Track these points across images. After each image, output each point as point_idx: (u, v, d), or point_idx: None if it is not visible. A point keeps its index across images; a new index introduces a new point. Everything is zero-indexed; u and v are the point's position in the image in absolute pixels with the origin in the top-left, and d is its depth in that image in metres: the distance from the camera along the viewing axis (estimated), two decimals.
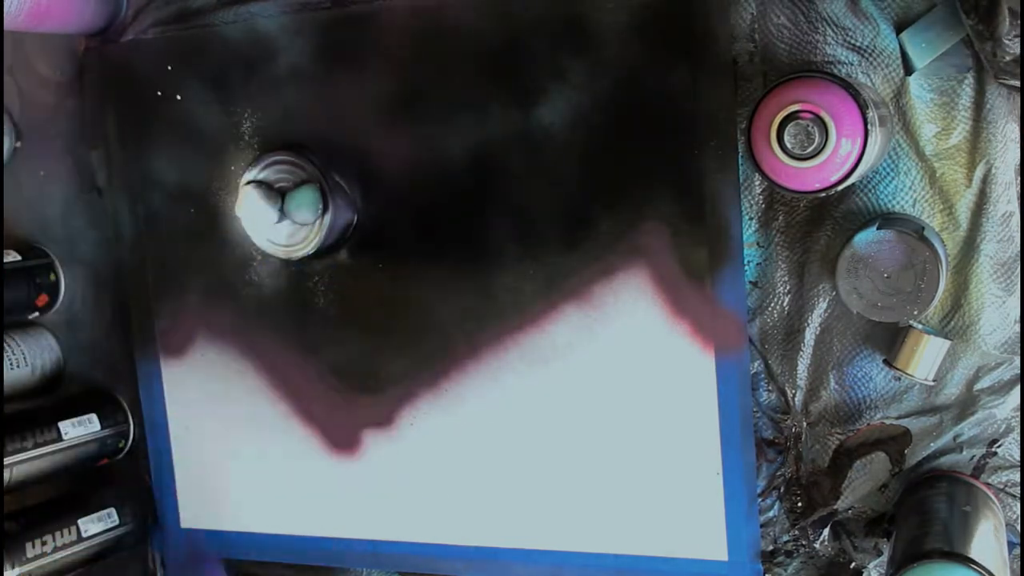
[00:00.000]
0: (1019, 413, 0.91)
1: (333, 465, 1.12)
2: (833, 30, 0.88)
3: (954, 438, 0.93)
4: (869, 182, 0.90)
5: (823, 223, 0.92)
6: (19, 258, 1.17)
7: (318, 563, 1.16)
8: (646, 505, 1.01)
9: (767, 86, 0.85)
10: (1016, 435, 0.91)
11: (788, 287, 0.95)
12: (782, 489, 0.98)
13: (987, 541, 0.83)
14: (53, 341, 1.21)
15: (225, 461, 1.17)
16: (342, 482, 1.12)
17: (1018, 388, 0.90)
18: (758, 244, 0.95)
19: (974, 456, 0.93)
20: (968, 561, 0.79)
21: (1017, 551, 0.93)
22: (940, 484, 0.91)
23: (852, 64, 0.88)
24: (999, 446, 0.92)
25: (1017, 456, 0.92)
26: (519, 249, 1.01)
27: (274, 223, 1.02)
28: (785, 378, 0.96)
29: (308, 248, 1.03)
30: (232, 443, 1.15)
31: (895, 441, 0.94)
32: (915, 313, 0.86)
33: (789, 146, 0.80)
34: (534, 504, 1.05)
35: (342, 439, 1.11)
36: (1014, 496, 0.92)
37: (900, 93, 0.88)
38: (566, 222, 0.99)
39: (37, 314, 1.19)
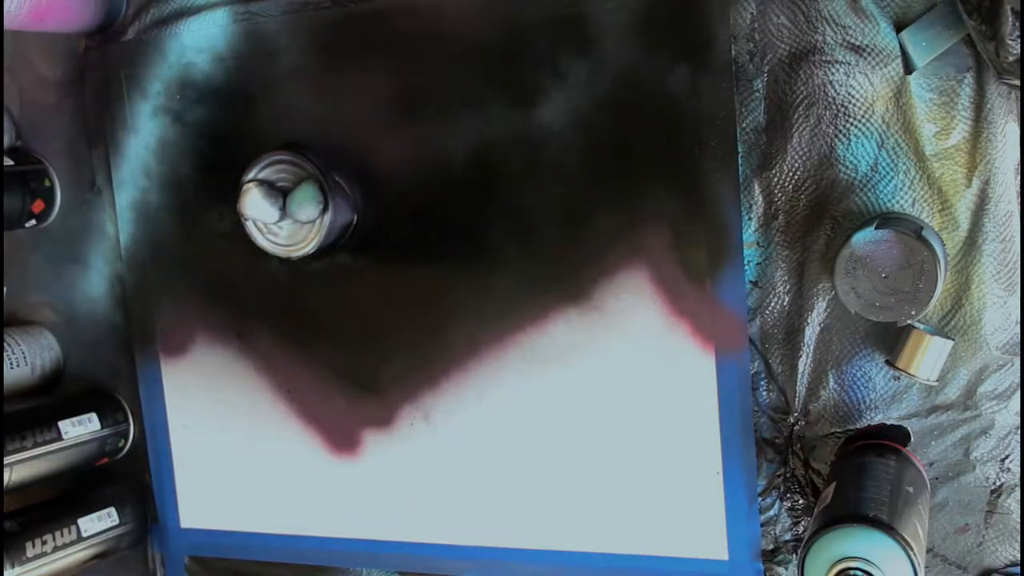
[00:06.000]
0: (1020, 414, 0.91)
1: (333, 465, 1.12)
2: (833, 29, 0.88)
3: (956, 439, 0.93)
4: (869, 181, 0.90)
5: (823, 223, 0.92)
6: (11, 163, 1.15)
7: (318, 563, 1.16)
8: (646, 505, 1.01)
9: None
10: (1017, 435, 0.91)
11: (788, 287, 0.95)
12: (782, 488, 0.98)
13: (919, 529, 0.83)
14: (53, 340, 1.21)
15: (225, 461, 1.17)
16: (342, 482, 1.12)
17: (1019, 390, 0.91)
18: (758, 244, 0.95)
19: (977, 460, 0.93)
20: (903, 540, 0.79)
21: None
22: (889, 456, 0.91)
23: (851, 64, 0.88)
24: (1006, 453, 0.92)
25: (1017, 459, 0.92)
26: (519, 249, 1.01)
27: (275, 221, 1.02)
28: (785, 378, 0.96)
29: (308, 248, 1.03)
30: (232, 443, 1.16)
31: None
32: (913, 313, 0.86)
33: None
34: (534, 504, 1.05)
35: (342, 439, 1.11)
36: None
37: (900, 92, 0.88)
38: (566, 222, 0.99)
39: (35, 222, 1.18)
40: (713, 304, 0.96)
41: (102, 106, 1.14)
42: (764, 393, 0.97)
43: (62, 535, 1.11)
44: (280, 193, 1.02)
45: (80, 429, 1.15)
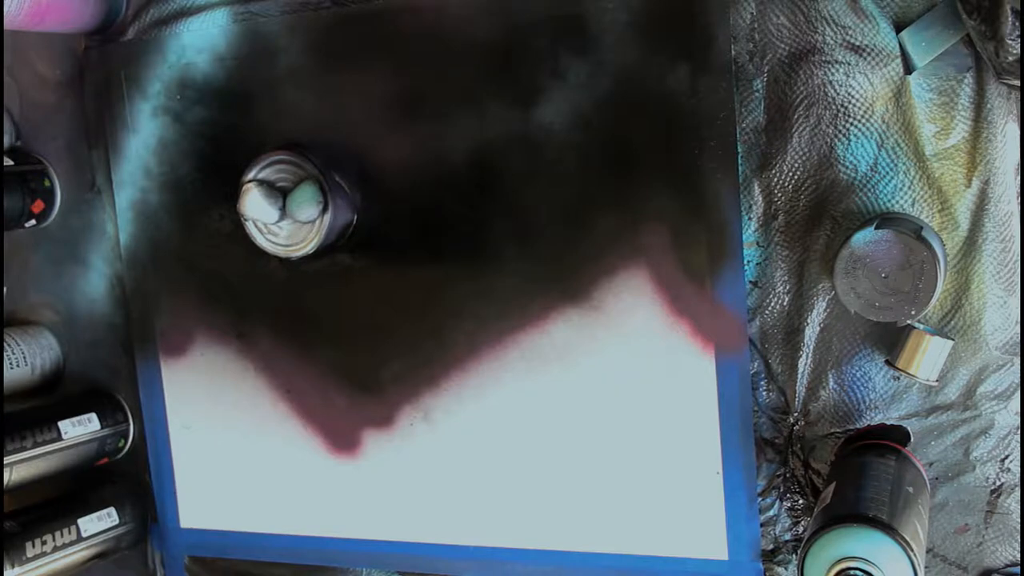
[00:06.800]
0: (1020, 414, 0.91)
1: (333, 465, 1.12)
2: (832, 29, 0.88)
3: (956, 439, 0.93)
4: (869, 181, 0.90)
5: (823, 222, 0.92)
6: (11, 163, 1.15)
7: (318, 563, 1.16)
8: (646, 505, 1.01)
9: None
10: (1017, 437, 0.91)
11: (788, 287, 0.95)
12: (782, 488, 0.98)
13: (919, 529, 0.83)
14: (53, 340, 1.21)
15: (225, 461, 1.17)
16: (342, 482, 1.12)
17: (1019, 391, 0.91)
18: (758, 244, 0.95)
19: (977, 461, 0.93)
20: (903, 540, 0.79)
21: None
22: (889, 456, 0.91)
23: (851, 64, 0.88)
24: (1006, 453, 0.92)
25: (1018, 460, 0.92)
26: (519, 249, 1.01)
27: (275, 221, 1.02)
28: (785, 378, 0.96)
29: (308, 248, 1.03)
30: (232, 443, 1.16)
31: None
32: (913, 313, 0.86)
33: None
34: (534, 504, 1.05)
35: (342, 439, 1.11)
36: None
37: (900, 92, 0.88)
38: (566, 222, 0.99)
39: (35, 222, 1.18)
40: (713, 304, 0.96)
41: (102, 106, 1.14)
42: (764, 393, 0.97)
43: (62, 535, 1.11)
44: (280, 193, 1.02)
45: (80, 429, 1.15)
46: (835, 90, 0.89)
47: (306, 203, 1.01)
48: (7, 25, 1.03)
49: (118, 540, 1.18)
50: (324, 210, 1.01)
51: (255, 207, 1.01)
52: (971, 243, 0.89)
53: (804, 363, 0.95)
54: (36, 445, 1.10)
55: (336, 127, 1.05)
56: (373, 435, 1.10)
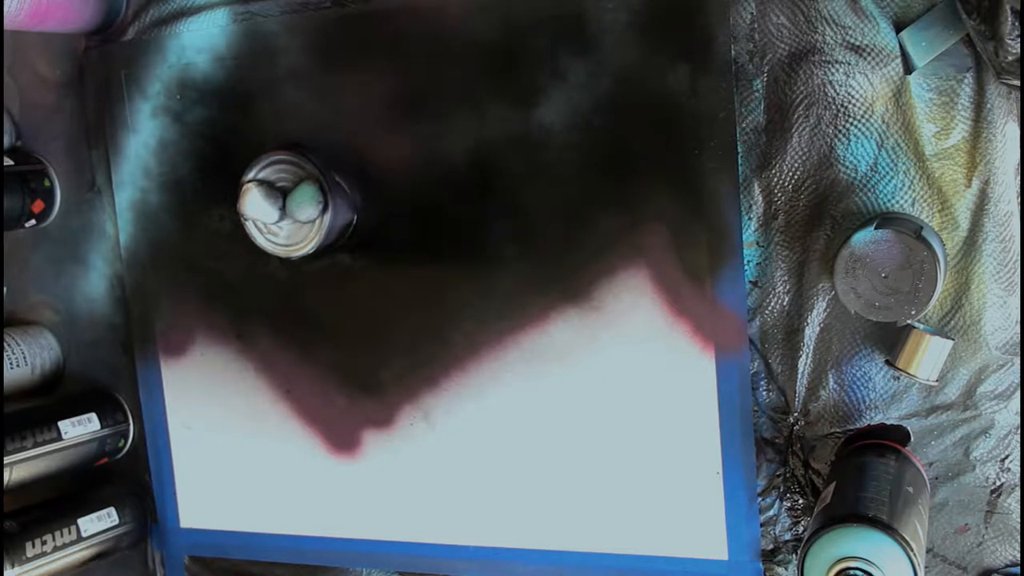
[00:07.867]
0: (1020, 414, 0.91)
1: (333, 465, 1.12)
2: (832, 29, 0.88)
3: (956, 439, 0.93)
4: (869, 181, 0.90)
5: (823, 222, 0.92)
6: (11, 163, 1.15)
7: (318, 563, 1.16)
8: (646, 505, 1.01)
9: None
10: (1017, 437, 0.91)
11: (788, 287, 0.95)
12: (782, 488, 0.98)
13: (919, 529, 0.83)
14: (53, 340, 1.21)
15: (225, 461, 1.17)
16: (342, 482, 1.12)
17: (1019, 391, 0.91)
18: (758, 244, 0.95)
19: (977, 461, 0.93)
20: (903, 540, 0.79)
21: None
22: (889, 456, 0.91)
23: (851, 64, 0.88)
24: (1006, 453, 0.92)
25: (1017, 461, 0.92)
26: (519, 249, 1.01)
27: (275, 221, 1.02)
28: (785, 378, 0.96)
29: (308, 248, 1.03)
30: (232, 443, 1.16)
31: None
32: (913, 313, 0.86)
33: None
34: (534, 504, 1.05)
35: (342, 439, 1.11)
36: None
37: (900, 92, 0.88)
38: (566, 222, 0.99)
39: (35, 222, 1.18)
40: (713, 304, 0.96)
41: (102, 106, 1.14)
42: (764, 393, 0.97)
43: (62, 535, 1.11)
44: (280, 193, 1.02)
45: (80, 429, 1.15)
46: (835, 90, 0.89)
47: (306, 203, 1.01)
48: (7, 25, 1.03)
49: (118, 540, 1.18)
50: (324, 210, 1.01)
51: (255, 207, 1.01)
52: (971, 243, 0.89)
53: (804, 363, 0.95)
54: (36, 445, 1.10)
55: (336, 127, 1.05)
56: (373, 435, 1.10)
